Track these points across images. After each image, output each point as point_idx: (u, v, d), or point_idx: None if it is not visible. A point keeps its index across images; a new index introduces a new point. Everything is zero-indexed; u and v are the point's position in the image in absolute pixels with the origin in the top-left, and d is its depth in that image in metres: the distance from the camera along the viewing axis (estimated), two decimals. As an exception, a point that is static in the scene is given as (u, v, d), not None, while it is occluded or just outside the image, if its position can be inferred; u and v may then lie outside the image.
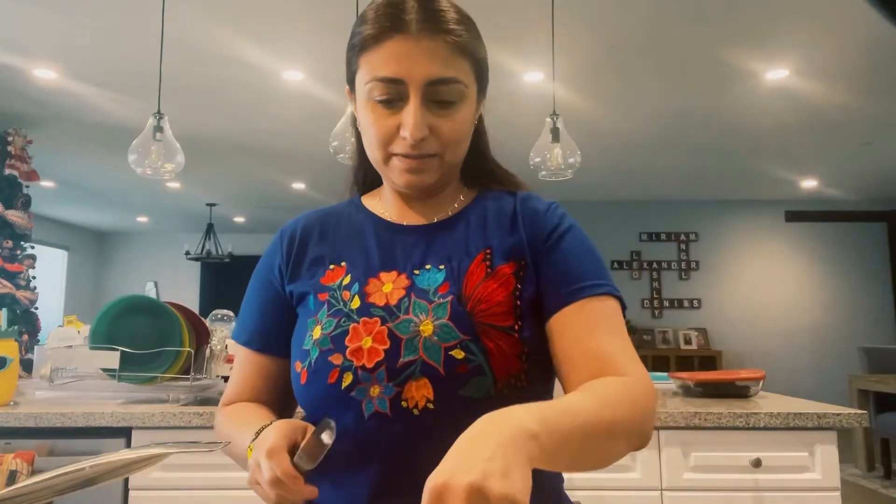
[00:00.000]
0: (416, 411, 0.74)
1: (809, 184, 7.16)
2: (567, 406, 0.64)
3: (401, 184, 0.83)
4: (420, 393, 0.74)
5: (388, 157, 0.82)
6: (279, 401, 0.89)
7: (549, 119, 3.01)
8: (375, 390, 0.75)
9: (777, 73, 4.14)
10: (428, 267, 0.82)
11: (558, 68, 3.79)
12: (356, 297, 0.80)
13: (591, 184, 6.91)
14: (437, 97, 0.79)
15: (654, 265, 7.99)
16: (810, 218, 7.99)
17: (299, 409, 0.87)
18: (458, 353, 0.74)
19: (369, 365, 0.75)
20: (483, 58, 0.84)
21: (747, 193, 7.67)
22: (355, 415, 0.75)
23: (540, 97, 4.37)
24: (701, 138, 5.54)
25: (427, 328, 0.76)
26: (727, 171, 6.70)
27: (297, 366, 0.80)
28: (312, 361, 0.78)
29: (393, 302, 0.79)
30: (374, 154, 0.84)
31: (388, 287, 0.81)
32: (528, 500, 0.52)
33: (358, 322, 0.78)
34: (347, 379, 0.75)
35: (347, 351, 0.76)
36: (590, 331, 0.76)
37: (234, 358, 1.88)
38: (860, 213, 7.98)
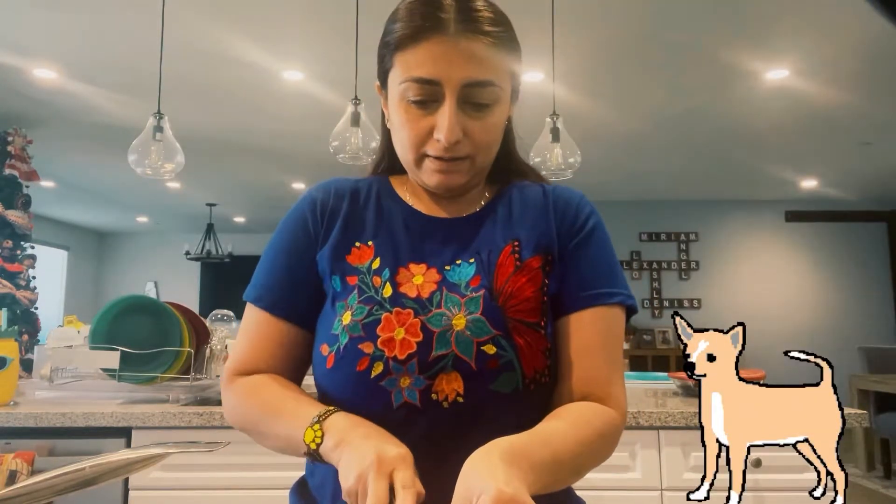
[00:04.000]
0: (445, 404, 0.74)
1: (809, 184, 7.15)
2: (556, 454, 0.69)
3: (432, 184, 0.83)
4: (451, 386, 0.74)
5: (420, 159, 0.81)
6: (294, 373, 0.85)
7: (549, 119, 3.01)
8: (406, 381, 0.74)
9: (777, 73, 4.13)
10: (459, 262, 0.82)
11: (558, 68, 3.79)
12: (387, 284, 0.79)
13: (591, 184, 6.90)
14: (473, 99, 0.78)
15: (654, 265, 7.98)
16: (810, 218, 7.98)
17: (307, 383, 0.85)
18: (490, 349, 0.75)
19: (401, 356, 0.75)
20: (518, 59, 0.83)
21: (747, 193, 7.66)
22: (383, 403, 0.75)
23: (540, 97, 4.36)
24: (701, 138, 5.54)
25: (460, 322, 0.76)
26: (727, 171, 6.69)
27: (324, 349, 0.79)
28: (341, 347, 0.77)
29: (425, 295, 0.78)
30: (405, 155, 0.83)
31: (419, 279, 0.80)
32: None
33: (391, 312, 0.77)
34: (378, 368, 0.75)
35: (379, 340, 0.75)
36: (593, 347, 0.80)
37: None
38: (860, 213, 7.97)
